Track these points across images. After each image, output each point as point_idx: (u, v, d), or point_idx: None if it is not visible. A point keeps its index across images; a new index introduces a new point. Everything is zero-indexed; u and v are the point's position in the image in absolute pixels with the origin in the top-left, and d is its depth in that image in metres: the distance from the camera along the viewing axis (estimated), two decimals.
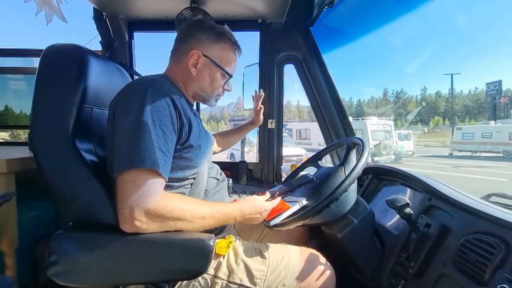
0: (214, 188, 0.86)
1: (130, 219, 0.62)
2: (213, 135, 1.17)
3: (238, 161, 1.61)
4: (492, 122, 17.23)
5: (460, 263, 0.65)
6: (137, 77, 1.43)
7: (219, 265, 0.76)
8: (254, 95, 1.32)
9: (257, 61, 1.52)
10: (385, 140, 12.20)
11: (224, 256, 0.78)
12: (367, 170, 1.22)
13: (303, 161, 1.16)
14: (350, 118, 1.56)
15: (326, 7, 1.17)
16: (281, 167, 1.59)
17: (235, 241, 0.82)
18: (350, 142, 0.94)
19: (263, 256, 0.80)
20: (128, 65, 1.46)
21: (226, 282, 0.74)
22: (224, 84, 0.89)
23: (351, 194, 0.87)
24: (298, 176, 1.05)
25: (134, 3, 1.29)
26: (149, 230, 0.65)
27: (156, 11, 1.37)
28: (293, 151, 9.38)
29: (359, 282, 1.00)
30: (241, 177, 1.56)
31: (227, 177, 1.00)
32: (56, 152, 0.73)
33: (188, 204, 0.69)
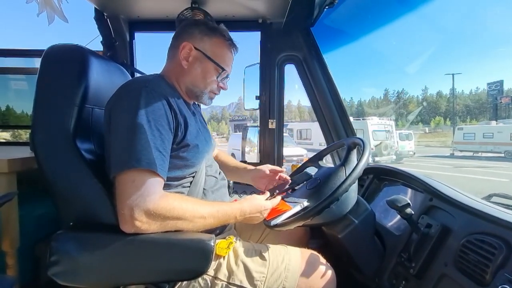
0: (212, 187, 0.86)
1: (130, 219, 0.62)
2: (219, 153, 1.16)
3: (239, 161, 1.61)
4: (493, 122, 17.18)
5: (461, 263, 0.65)
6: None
7: (219, 266, 0.76)
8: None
9: (258, 61, 1.52)
10: (386, 140, 12.18)
11: (224, 257, 0.78)
12: (368, 170, 1.22)
13: (304, 161, 1.16)
14: (351, 118, 1.56)
15: (327, 7, 1.18)
16: (282, 167, 1.59)
17: (235, 242, 0.82)
18: (351, 142, 0.94)
19: (263, 258, 0.80)
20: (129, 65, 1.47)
21: (226, 283, 0.74)
22: (219, 80, 0.86)
23: (352, 194, 0.87)
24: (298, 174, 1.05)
25: (135, 4, 1.29)
26: (149, 230, 0.65)
27: (157, 11, 1.37)
28: (294, 151, 9.38)
29: (360, 282, 1.00)
30: None
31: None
32: (57, 152, 0.74)
33: (188, 204, 0.69)
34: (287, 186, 0.97)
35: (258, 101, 1.53)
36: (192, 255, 0.69)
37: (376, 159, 10.69)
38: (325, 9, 1.20)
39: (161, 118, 0.69)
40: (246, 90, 1.57)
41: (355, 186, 0.87)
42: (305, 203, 0.82)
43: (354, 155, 0.93)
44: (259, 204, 0.80)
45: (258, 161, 1.59)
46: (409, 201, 0.75)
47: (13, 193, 0.91)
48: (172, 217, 0.65)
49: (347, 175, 0.79)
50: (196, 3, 1.25)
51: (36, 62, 1.76)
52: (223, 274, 0.75)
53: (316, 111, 1.51)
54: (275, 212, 0.82)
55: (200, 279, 0.74)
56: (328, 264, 0.84)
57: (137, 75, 1.45)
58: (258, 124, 1.58)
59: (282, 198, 0.88)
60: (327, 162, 1.20)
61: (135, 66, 1.52)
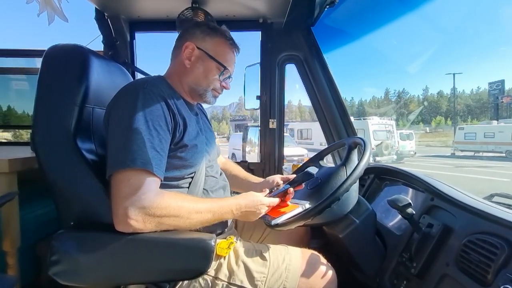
0: (213, 187, 0.86)
1: (125, 219, 0.62)
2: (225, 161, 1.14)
3: (239, 161, 1.61)
4: (494, 122, 17.15)
5: (463, 263, 0.65)
6: (138, 76, 1.44)
7: (219, 266, 0.76)
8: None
9: (259, 61, 1.52)
10: (386, 140, 12.17)
11: (224, 257, 0.78)
12: (368, 170, 1.22)
13: (305, 161, 1.16)
14: (352, 118, 1.56)
15: (328, 6, 1.17)
16: (283, 167, 1.59)
17: (236, 242, 0.82)
18: (352, 142, 0.94)
19: (263, 258, 0.80)
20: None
21: (226, 283, 0.74)
22: (221, 79, 0.87)
23: (353, 194, 0.87)
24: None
25: (136, 4, 1.29)
26: (145, 229, 0.64)
27: (157, 11, 1.37)
28: (295, 151, 9.39)
29: (360, 282, 1.00)
30: None
31: None
32: (57, 152, 0.74)
33: (184, 201, 0.68)
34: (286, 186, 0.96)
35: (259, 101, 1.52)
36: (193, 255, 0.69)
37: (377, 159, 10.68)
38: (326, 9, 1.20)
39: (159, 118, 0.69)
40: (246, 90, 1.58)
41: (356, 186, 0.87)
42: (307, 205, 0.81)
43: (355, 154, 0.93)
44: (255, 199, 0.79)
45: (259, 161, 1.59)
46: (410, 201, 0.75)
47: (14, 193, 0.91)
48: (167, 215, 0.65)
49: (348, 175, 0.79)
50: (197, 3, 1.25)
51: (37, 62, 1.77)
52: (223, 274, 0.75)
53: (317, 110, 1.50)
54: (277, 212, 0.82)
55: (200, 279, 0.74)
56: (329, 264, 0.84)
57: (138, 74, 1.46)
58: (259, 124, 1.58)
59: (281, 199, 0.88)
60: (328, 162, 1.19)
61: (135, 66, 1.53)
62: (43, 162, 0.73)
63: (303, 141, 14.67)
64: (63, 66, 0.77)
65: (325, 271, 0.80)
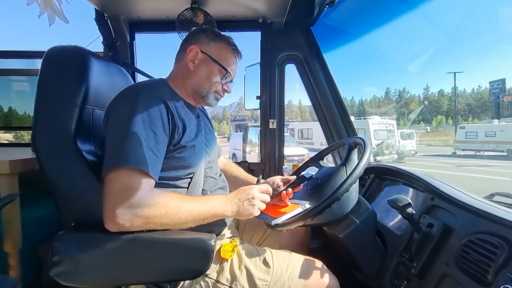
0: (212, 188, 0.86)
1: (113, 217, 0.62)
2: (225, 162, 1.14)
3: (239, 161, 1.61)
4: (495, 121, 17.09)
5: (463, 263, 0.65)
6: (138, 77, 1.44)
7: (221, 270, 0.76)
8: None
9: (258, 61, 1.52)
10: (387, 140, 12.15)
11: (227, 260, 0.77)
12: (369, 170, 1.22)
13: (305, 160, 1.16)
14: (352, 118, 1.56)
15: (327, 6, 1.17)
16: (283, 167, 1.59)
17: (240, 245, 0.82)
18: (352, 141, 0.94)
19: (267, 264, 0.79)
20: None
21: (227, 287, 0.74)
22: (223, 82, 0.88)
23: (353, 194, 0.87)
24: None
25: (135, 4, 1.30)
26: (133, 227, 0.64)
27: (157, 12, 1.37)
28: (295, 151, 9.38)
29: (361, 282, 1.00)
30: None
31: None
32: (58, 153, 0.74)
33: (172, 199, 0.68)
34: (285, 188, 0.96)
35: (259, 101, 1.53)
36: (193, 255, 0.69)
37: (378, 158, 10.67)
38: (325, 8, 1.20)
39: (156, 120, 0.70)
40: (246, 90, 1.58)
41: (356, 186, 0.87)
42: (307, 205, 0.81)
43: (355, 154, 0.93)
44: (245, 188, 0.77)
45: (259, 161, 1.59)
46: (410, 201, 0.75)
47: (15, 194, 0.91)
48: (155, 213, 0.64)
49: (348, 174, 0.79)
50: (196, 3, 1.25)
51: (38, 64, 1.77)
52: (225, 278, 0.75)
53: (317, 110, 1.50)
54: (277, 213, 0.82)
55: (202, 282, 0.74)
56: (332, 274, 0.83)
57: (138, 75, 1.46)
58: (259, 124, 1.58)
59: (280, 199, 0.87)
60: (328, 161, 1.19)
61: (136, 67, 1.53)
62: (43, 163, 0.74)
63: (303, 141, 14.67)
64: (63, 68, 0.78)
65: (328, 281, 0.80)
